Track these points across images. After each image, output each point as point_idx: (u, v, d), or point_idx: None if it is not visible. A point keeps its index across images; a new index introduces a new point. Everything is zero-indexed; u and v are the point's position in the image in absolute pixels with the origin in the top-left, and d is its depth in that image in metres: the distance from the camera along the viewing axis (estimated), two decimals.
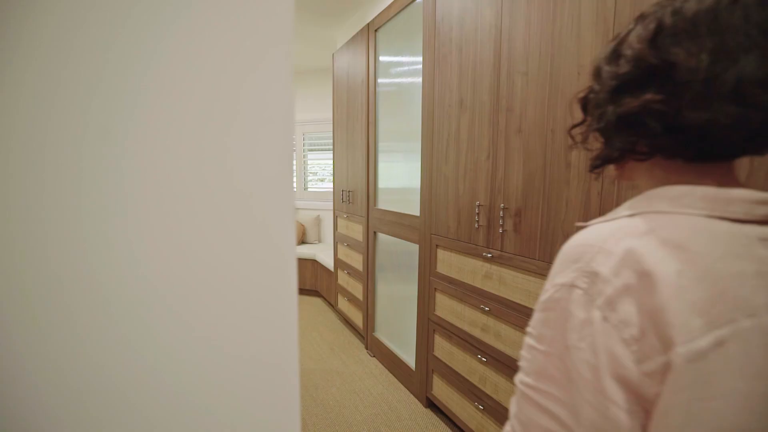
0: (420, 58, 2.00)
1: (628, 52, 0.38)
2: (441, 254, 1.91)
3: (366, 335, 2.85)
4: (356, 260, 2.96)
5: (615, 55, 0.40)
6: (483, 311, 1.63)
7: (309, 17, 3.02)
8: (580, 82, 1.18)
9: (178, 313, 0.23)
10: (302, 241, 4.44)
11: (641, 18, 0.39)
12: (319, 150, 4.53)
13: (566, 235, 1.25)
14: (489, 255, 1.57)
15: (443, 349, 1.93)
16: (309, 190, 4.59)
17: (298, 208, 4.53)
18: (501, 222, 1.49)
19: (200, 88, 0.22)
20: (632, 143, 0.39)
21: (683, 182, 0.38)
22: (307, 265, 4.03)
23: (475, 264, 1.67)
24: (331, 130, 3.38)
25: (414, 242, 2.14)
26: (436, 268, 1.95)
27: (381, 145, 2.55)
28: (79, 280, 0.21)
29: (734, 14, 0.32)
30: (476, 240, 1.65)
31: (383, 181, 2.56)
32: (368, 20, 2.63)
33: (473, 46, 1.61)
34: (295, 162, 4.56)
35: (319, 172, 4.58)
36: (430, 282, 2.00)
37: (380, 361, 2.67)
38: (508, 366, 1.51)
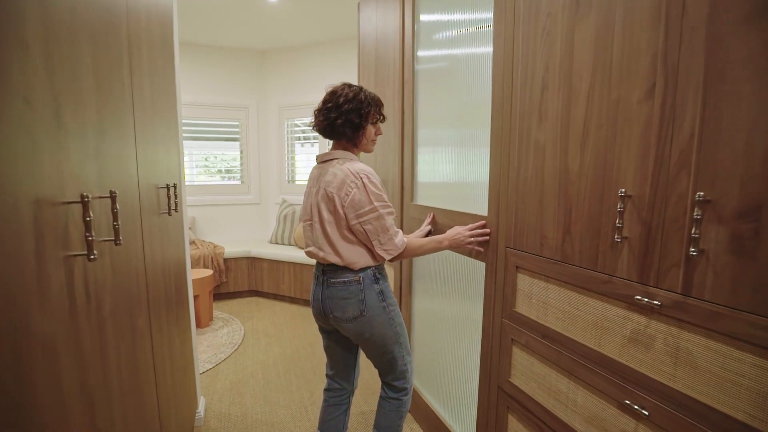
0: None
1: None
2: (525, 283, 1.10)
3: None
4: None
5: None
6: (628, 410, 0.81)
7: None
8: None
9: None
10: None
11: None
12: None
13: None
14: (656, 303, 0.75)
15: None
16: None
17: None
18: (694, 231, 0.67)
19: None
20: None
21: (334, 149, 1.34)
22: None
23: (609, 312, 0.86)
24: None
25: (477, 258, 1.35)
26: (515, 305, 1.14)
27: (421, 109, 1.77)
28: None
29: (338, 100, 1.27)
30: (613, 266, 0.83)
31: (424, 173, 1.78)
32: None
33: None
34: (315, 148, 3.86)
35: None
36: (502, 327, 1.19)
37: (418, 424, 1.89)
38: None
